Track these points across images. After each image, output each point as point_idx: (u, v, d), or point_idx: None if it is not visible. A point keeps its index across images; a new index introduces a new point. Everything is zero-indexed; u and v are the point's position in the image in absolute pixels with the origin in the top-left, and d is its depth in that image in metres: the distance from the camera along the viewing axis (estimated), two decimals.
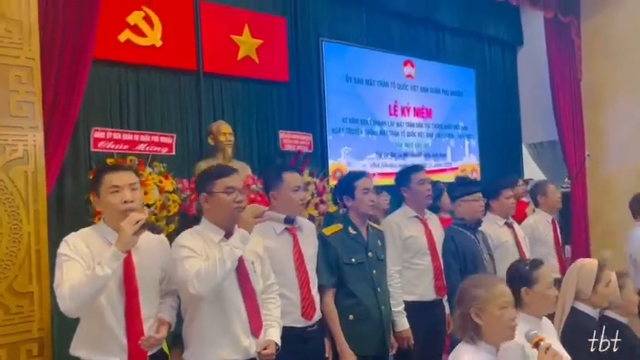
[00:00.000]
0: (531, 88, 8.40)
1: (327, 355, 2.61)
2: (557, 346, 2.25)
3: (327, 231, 2.62)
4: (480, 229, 3.43)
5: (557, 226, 4.01)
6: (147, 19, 4.77)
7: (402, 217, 2.97)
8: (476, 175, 7.80)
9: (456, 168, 7.60)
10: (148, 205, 4.21)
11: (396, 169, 6.80)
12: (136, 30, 4.71)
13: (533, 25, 8.13)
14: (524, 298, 2.17)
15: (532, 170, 8.83)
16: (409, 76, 7.09)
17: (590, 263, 2.54)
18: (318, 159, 5.94)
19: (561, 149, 8.01)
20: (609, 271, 2.52)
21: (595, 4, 7.89)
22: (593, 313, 2.49)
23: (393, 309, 2.71)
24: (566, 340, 2.46)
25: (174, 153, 4.62)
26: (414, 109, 7.14)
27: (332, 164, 6.19)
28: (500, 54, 8.39)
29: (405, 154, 7.01)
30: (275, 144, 5.52)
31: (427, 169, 7.11)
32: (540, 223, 3.97)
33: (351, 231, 2.62)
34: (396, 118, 6.93)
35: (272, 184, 2.43)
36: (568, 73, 7.93)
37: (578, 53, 7.99)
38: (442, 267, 2.89)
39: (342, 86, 6.37)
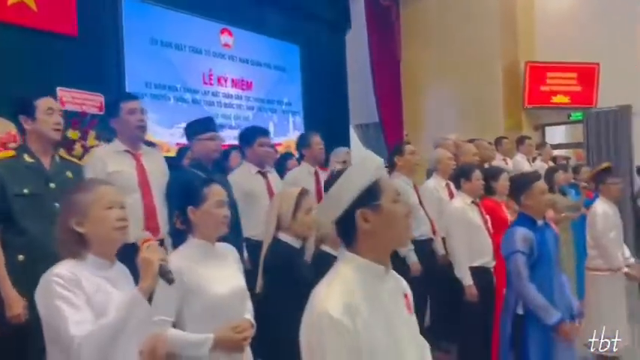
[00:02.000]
0: (358, 70, 8.59)
1: None
2: (238, 275, 2.09)
3: None
4: (228, 178, 3.27)
5: (320, 177, 4.00)
6: None
7: (109, 150, 2.66)
8: None
9: (280, 144, 7.50)
10: None
11: None
12: None
13: (361, 8, 8.34)
14: (191, 218, 1.98)
15: (359, 151, 9.08)
16: (226, 45, 6.85)
17: (291, 191, 2.44)
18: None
19: (382, 130, 8.31)
20: (311, 199, 2.43)
21: None
22: (294, 242, 2.38)
23: None
24: (266, 269, 2.33)
25: None
26: (232, 79, 6.91)
27: None
28: (327, 34, 8.46)
29: (222, 126, 6.72)
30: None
31: None
32: (303, 174, 3.93)
33: (27, 159, 2.26)
34: (211, 87, 6.64)
35: None
36: (388, 57, 8.24)
37: (398, 37, 8.33)
38: (156, 206, 2.63)
39: (146, 48, 5.93)
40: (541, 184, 3.05)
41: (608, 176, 4.47)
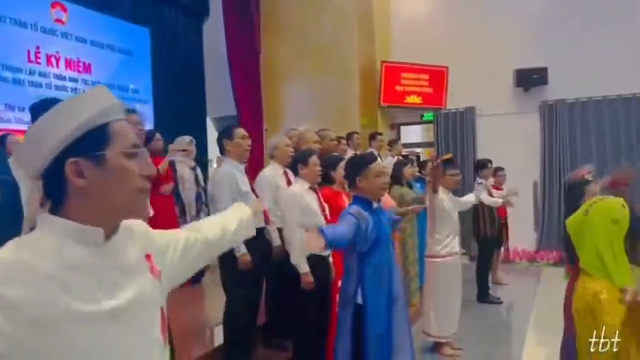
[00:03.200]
0: (217, 61, 8.19)
1: None
2: None
3: None
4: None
5: None
6: None
7: None
8: None
9: None
10: None
11: None
12: None
13: None
14: None
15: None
16: (59, 20, 6.07)
17: None
18: None
19: (239, 124, 7.98)
20: None
21: None
22: None
23: None
24: None
25: None
26: (66, 60, 6.15)
27: None
28: (182, 20, 7.97)
29: None
30: None
31: None
32: None
33: None
34: (39, 66, 5.84)
35: None
36: (247, 48, 7.94)
37: (257, 29, 8.07)
38: None
39: None
40: (376, 165, 2.94)
41: (448, 167, 4.57)
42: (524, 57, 8.05)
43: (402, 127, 9.27)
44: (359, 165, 2.96)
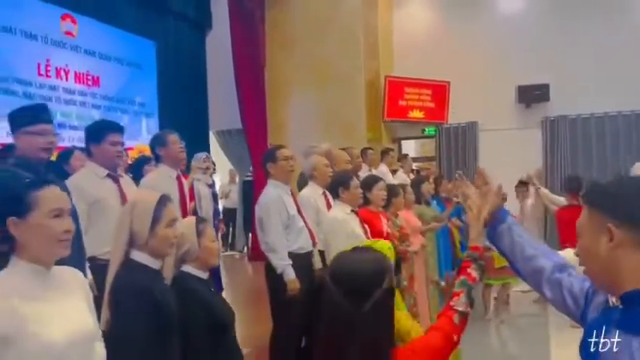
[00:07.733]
0: (221, 74, 8.11)
1: None
2: (83, 310, 1.54)
3: None
4: (67, 182, 2.63)
5: (184, 184, 3.50)
6: None
7: None
8: None
9: (132, 148, 6.71)
10: None
11: None
12: None
13: (224, 8, 7.88)
14: (14, 234, 1.39)
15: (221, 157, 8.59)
16: (69, 33, 5.94)
17: (146, 198, 1.93)
18: None
19: (245, 138, 7.92)
20: (173, 208, 1.96)
21: None
22: (152, 263, 1.85)
23: None
24: (115, 299, 1.79)
25: None
26: (76, 73, 6.01)
27: None
28: (187, 33, 7.89)
29: (61, 125, 5.81)
30: None
31: None
32: (162, 178, 3.35)
33: None
34: (48, 80, 5.69)
35: None
36: (252, 61, 7.88)
37: (262, 41, 8.02)
38: None
39: None
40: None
41: None
42: (526, 73, 8.17)
43: (402, 141, 9.31)
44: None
